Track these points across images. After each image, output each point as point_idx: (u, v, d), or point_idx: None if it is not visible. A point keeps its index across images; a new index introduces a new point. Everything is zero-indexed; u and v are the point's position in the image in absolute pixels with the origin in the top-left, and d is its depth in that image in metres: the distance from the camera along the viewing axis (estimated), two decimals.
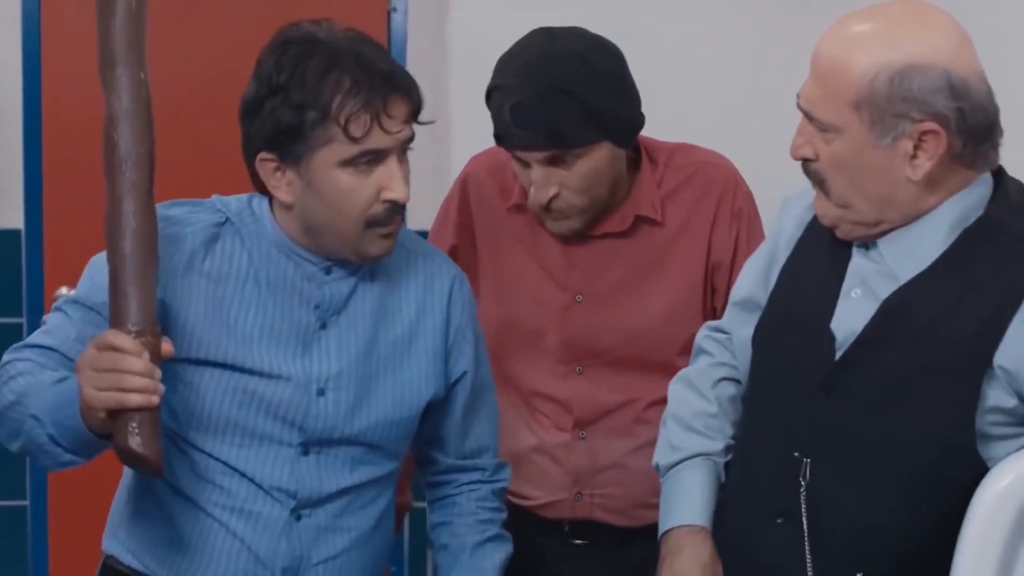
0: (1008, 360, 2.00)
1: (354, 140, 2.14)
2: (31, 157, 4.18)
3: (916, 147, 2.01)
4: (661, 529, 2.29)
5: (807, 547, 2.10)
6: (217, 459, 2.23)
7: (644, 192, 2.63)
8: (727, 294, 2.61)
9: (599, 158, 2.53)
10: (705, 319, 2.63)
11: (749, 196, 2.69)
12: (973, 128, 2.01)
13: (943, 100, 1.98)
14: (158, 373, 2.03)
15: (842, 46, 2.03)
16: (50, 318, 2.24)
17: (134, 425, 2.01)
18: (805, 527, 2.10)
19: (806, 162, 2.10)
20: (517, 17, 3.74)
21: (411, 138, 2.22)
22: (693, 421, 2.33)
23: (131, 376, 1.99)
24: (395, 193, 2.18)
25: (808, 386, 2.11)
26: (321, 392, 2.24)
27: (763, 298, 2.27)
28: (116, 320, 2.07)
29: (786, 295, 2.24)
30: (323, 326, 2.25)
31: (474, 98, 3.79)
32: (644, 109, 3.82)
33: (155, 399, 2.01)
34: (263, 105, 2.16)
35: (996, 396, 2.01)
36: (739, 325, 2.33)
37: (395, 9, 4.20)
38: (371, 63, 2.16)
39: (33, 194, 4.19)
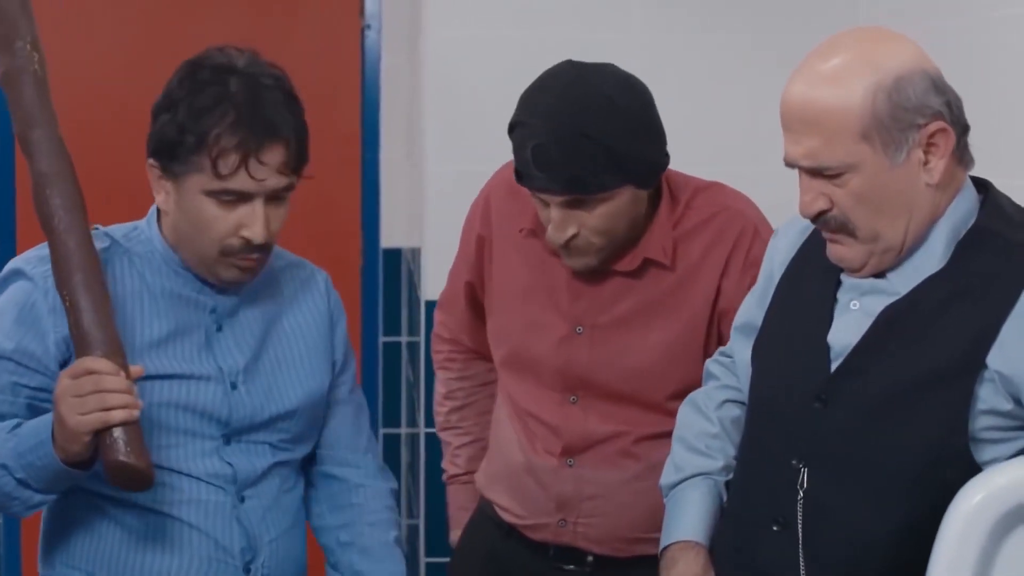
0: (1002, 364, 2.01)
1: (219, 176, 2.21)
2: (4, 172, 4.17)
3: (926, 152, 2.04)
4: (660, 547, 2.35)
5: (800, 554, 2.12)
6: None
7: (657, 233, 2.58)
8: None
9: (620, 202, 2.48)
10: (704, 362, 2.61)
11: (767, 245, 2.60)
12: (959, 118, 2.06)
13: (934, 98, 2.02)
14: (135, 388, 2.13)
15: (824, 86, 2.03)
16: None
17: (122, 440, 2.11)
18: (800, 534, 2.12)
19: (821, 215, 2.09)
20: (491, 36, 3.76)
21: (286, 187, 2.27)
22: (696, 442, 2.38)
23: (111, 394, 2.10)
24: (251, 234, 2.25)
25: (805, 396, 2.14)
26: (234, 385, 2.34)
27: (760, 320, 2.31)
28: (83, 349, 2.16)
29: (781, 311, 2.26)
30: (219, 328, 2.36)
31: (447, 115, 3.81)
32: None
33: (136, 412, 2.12)
34: (159, 116, 2.26)
35: (990, 399, 2.02)
36: (740, 348, 2.36)
37: (369, 27, 4.21)
38: (261, 106, 2.22)
39: (6, 211, 4.18)
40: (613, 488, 2.65)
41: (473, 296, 2.82)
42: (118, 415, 2.10)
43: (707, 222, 2.60)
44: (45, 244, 2.29)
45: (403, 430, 4.30)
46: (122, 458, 2.10)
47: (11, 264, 2.33)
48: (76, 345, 2.17)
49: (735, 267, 2.59)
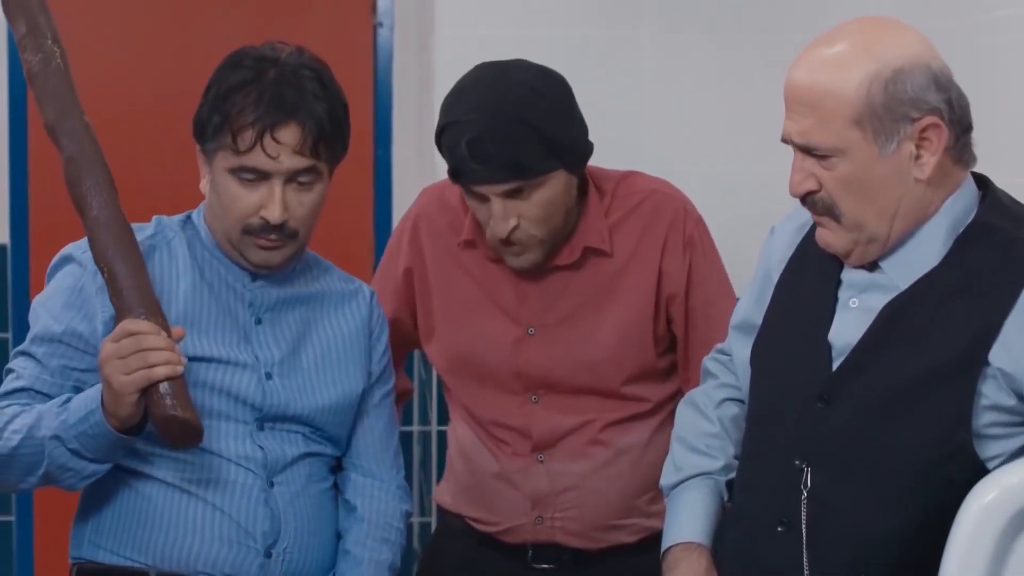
0: (1004, 361, 2.02)
1: (238, 152, 2.30)
2: (16, 171, 4.18)
3: (918, 146, 2.05)
4: (663, 548, 2.35)
5: (804, 554, 2.12)
6: None
7: (592, 222, 2.63)
8: (685, 326, 2.66)
9: (556, 187, 2.53)
10: (656, 347, 2.67)
11: (700, 222, 2.69)
12: (960, 117, 2.07)
13: (934, 94, 2.03)
14: (176, 346, 2.21)
15: (825, 70, 2.05)
16: (13, 365, 2.39)
17: (167, 394, 2.18)
18: (804, 534, 2.12)
19: (809, 195, 2.11)
20: (501, 35, 3.76)
21: (305, 170, 2.33)
22: (695, 441, 2.39)
23: (153, 352, 2.17)
24: (267, 213, 2.32)
25: (807, 396, 2.14)
26: (269, 375, 2.40)
27: (759, 318, 2.31)
28: (123, 313, 2.24)
29: (781, 311, 2.27)
30: (258, 321, 2.43)
31: None
32: (631, 119, 3.85)
33: (179, 368, 2.19)
34: (200, 102, 2.35)
35: (993, 395, 2.03)
36: (738, 347, 2.37)
37: (381, 24, 4.21)
38: (283, 87, 2.30)
39: (19, 208, 4.19)
40: (586, 477, 2.68)
41: (396, 329, 2.75)
42: (162, 371, 2.17)
43: (637, 207, 2.66)
44: None
45: (415, 428, 4.31)
46: (170, 412, 2.18)
47: (62, 251, 2.43)
48: (117, 311, 2.25)
49: (674, 247, 2.64)
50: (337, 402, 2.46)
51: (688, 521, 2.32)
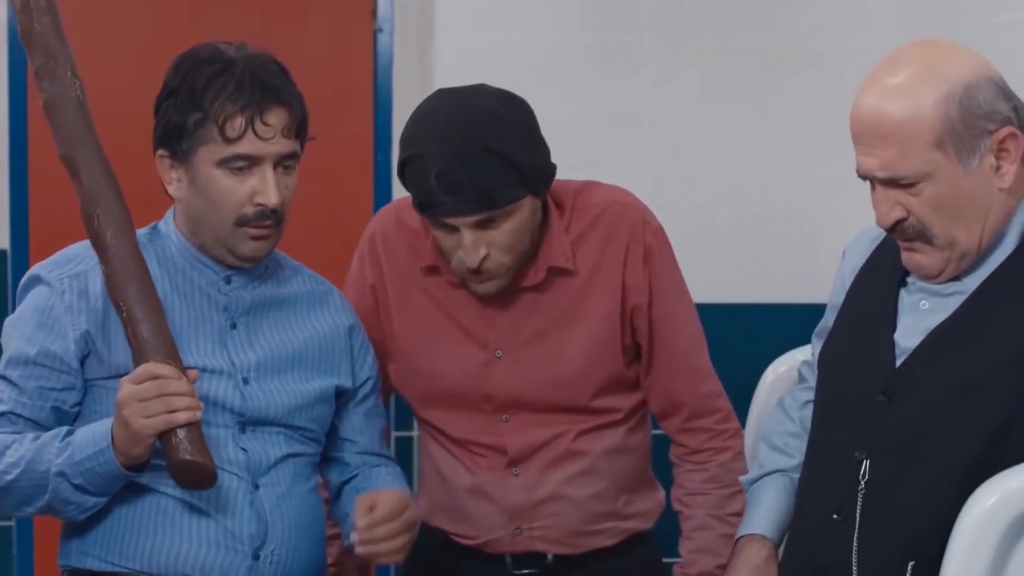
0: None
1: (228, 141, 2.31)
2: (17, 176, 4.18)
3: (997, 157, 2.10)
4: (735, 538, 2.49)
5: (855, 542, 2.17)
6: None
7: (555, 241, 2.61)
8: (649, 335, 2.65)
9: (524, 214, 2.51)
10: (624, 357, 2.65)
11: (658, 231, 2.66)
12: None
13: (1003, 104, 2.09)
14: (195, 391, 2.26)
15: (896, 99, 2.09)
16: None
17: (186, 440, 2.23)
18: (857, 522, 2.17)
19: (898, 224, 2.15)
20: (502, 39, 3.77)
21: (291, 154, 2.37)
22: (776, 440, 2.51)
23: (175, 397, 2.22)
24: (264, 199, 2.33)
25: (869, 391, 2.20)
26: (246, 380, 2.42)
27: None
28: (142, 356, 2.26)
29: (849, 313, 2.34)
30: (233, 326, 2.44)
31: None
32: (632, 123, 3.86)
33: (198, 413, 2.24)
34: (161, 106, 2.36)
35: None
36: (817, 351, 2.45)
37: (381, 29, 4.21)
38: (259, 74, 2.33)
39: (19, 213, 4.19)
40: (562, 487, 2.67)
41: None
42: (183, 416, 2.22)
43: (597, 220, 2.64)
44: (63, 250, 2.42)
45: (414, 433, 4.30)
46: (188, 456, 2.22)
47: (30, 271, 2.44)
48: (134, 352, 2.27)
49: (635, 259, 2.62)
50: (315, 399, 2.48)
51: (757, 514, 2.44)
